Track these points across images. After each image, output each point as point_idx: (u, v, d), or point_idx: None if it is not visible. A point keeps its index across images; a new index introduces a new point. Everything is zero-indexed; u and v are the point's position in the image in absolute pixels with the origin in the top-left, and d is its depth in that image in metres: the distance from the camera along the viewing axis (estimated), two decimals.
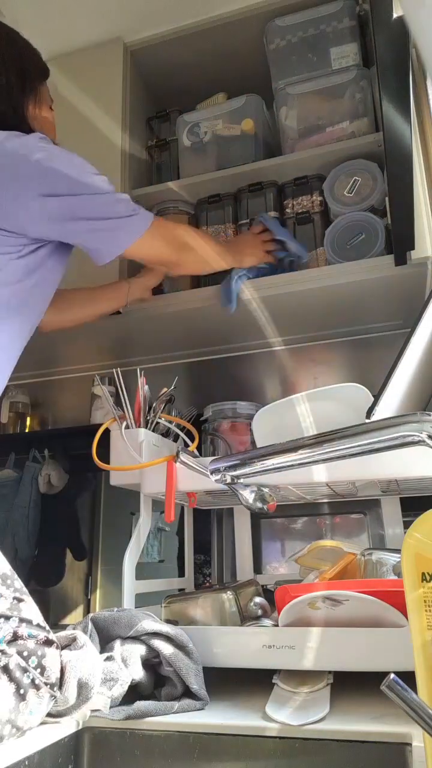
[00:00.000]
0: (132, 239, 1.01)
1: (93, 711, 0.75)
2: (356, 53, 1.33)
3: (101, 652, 0.82)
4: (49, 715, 0.71)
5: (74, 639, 0.75)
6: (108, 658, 0.79)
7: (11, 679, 0.65)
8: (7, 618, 0.70)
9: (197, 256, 1.13)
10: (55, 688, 0.70)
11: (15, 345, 0.98)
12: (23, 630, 0.70)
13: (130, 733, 0.74)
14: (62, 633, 0.76)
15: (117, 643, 0.82)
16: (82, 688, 0.72)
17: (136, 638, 0.83)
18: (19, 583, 0.75)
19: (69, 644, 0.75)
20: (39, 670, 0.68)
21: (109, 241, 1.00)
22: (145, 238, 1.02)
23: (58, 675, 0.71)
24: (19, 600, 0.73)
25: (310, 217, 1.31)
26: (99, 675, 0.74)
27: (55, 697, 0.70)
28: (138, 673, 0.79)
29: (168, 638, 0.82)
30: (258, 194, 1.37)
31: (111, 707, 0.76)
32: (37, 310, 1.02)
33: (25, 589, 0.75)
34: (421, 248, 1.12)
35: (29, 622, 0.71)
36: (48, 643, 0.71)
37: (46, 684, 0.68)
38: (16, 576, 0.76)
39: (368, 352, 1.47)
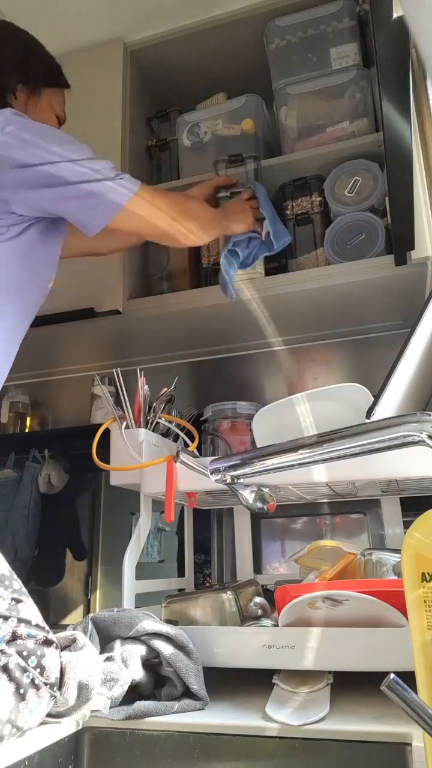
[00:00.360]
0: (119, 204, 0.95)
1: (93, 711, 0.75)
2: (356, 53, 1.33)
3: (101, 652, 0.82)
4: (48, 715, 0.71)
5: (74, 640, 0.75)
6: (108, 659, 0.79)
7: (11, 678, 0.65)
8: (6, 618, 0.70)
9: (192, 223, 1.06)
10: (55, 688, 0.70)
11: (13, 337, 0.97)
12: (22, 630, 0.70)
13: (130, 733, 0.74)
14: (62, 634, 0.76)
15: (117, 644, 0.82)
16: (82, 690, 0.72)
17: (136, 638, 0.83)
18: (18, 584, 0.75)
19: (69, 645, 0.75)
20: (39, 670, 0.68)
21: (94, 209, 0.94)
22: (134, 204, 0.96)
23: (58, 675, 0.71)
24: (18, 600, 0.73)
25: (309, 218, 1.31)
26: (99, 676, 0.74)
27: (54, 696, 0.70)
28: (138, 673, 0.79)
29: (168, 638, 0.82)
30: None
31: (111, 707, 0.76)
32: (33, 299, 1.00)
33: (24, 590, 0.75)
34: (421, 248, 1.12)
35: (28, 622, 0.71)
36: (47, 643, 0.71)
37: (45, 684, 0.69)
38: (15, 576, 0.76)
39: (368, 352, 1.47)
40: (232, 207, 1.23)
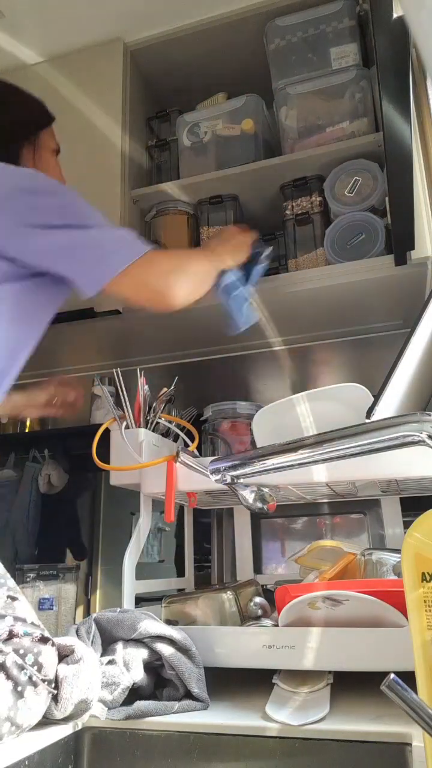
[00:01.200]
0: (126, 261, 0.92)
1: (90, 716, 0.75)
2: (356, 53, 1.33)
3: (103, 653, 0.81)
4: (45, 718, 0.71)
5: (72, 651, 0.74)
6: (110, 662, 0.79)
7: (8, 676, 0.66)
8: (2, 617, 0.70)
9: (190, 283, 0.99)
10: (53, 685, 0.70)
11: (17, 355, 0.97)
12: (18, 628, 0.70)
13: (130, 733, 0.74)
14: (61, 640, 0.75)
15: (119, 646, 0.81)
16: (80, 703, 0.72)
17: (138, 641, 0.83)
18: (12, 582, 0.75)
19: (67, 655, 0.74)
20: (36, 667, 0.69)
21: (99, 261, 0.92)
22: (138, 267, 0.92)
23: (56, 671, 0.71)
24: (13, 598, 0.73)
25: (309, 218, 1.31)
26: (98, 688, 0.74)
27: (52, 693, 0.70)
28: (139, 676, 0.79)
29: (171, 641, 0.82)
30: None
31: (111, 708, 0.76)
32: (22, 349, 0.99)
33: (18, 588, 0.76)
34: (421, 248, 1.12)
35: (23, 620, 0.71)
36: (43, 640, 0.71)
37: (43, 681, 0.69)
38: (8, 575, 0.76)
39: (368, 352, 1.47)
40: (223, 238, 1.16)
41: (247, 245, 1.15)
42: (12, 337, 0.96)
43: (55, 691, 0.70)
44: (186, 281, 0.98)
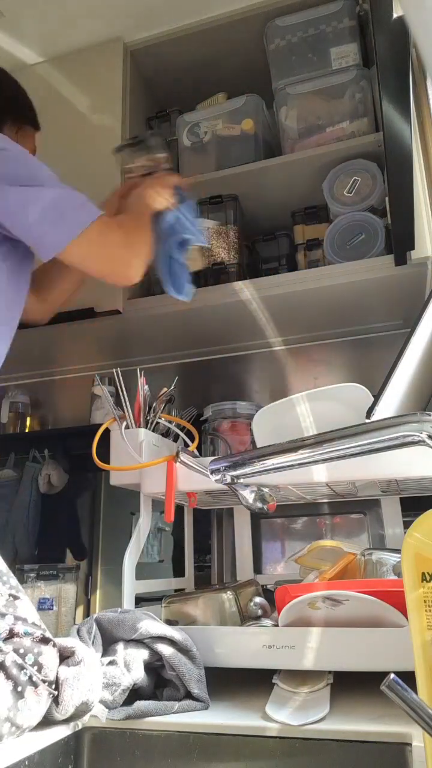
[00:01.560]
0: (77, 230, 0.91)
1: (90, 716, 0.75)
2: (356, 53, 1.33)
3: (104, 653, 0.81)
4: (45, 719, 0.71)
5: (73, 653, 0.74)
6: (111, 663, 0.79)
7: (8, 676, 0.66)
8: (3, 615, 0.70)
9: (143, 253, 0.99)
10: (53, 686, 0.70)
11: None
12: (19, 628, 0.70)
13: (130, 733, 0.74)
14: (62, 641, 0.75)
15: (120, 646, 0.81)
16: (81, 705, 0.72)
17: (139, 641, 0.83)
18: (14, 581, 0.75)
19: (68, 657, 0.74)
20: (36, 667, 0.68)
21: (58, 222, 0.91)
22: (92, 232, 0.92)
23: (56, 673, 0.71)
24: (15, 597, 0.73)
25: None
26: (98, 690, 0.74)
27: (53, 694, 0.70)
28: (140, 677, 0.79)
29: (172, 642, 0.82)
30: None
31: (111, 708, 0.76)
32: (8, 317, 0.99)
33: (20, 587, 0.75)
34: (421, 248, 1.12)
35: (24, 620, 0.71)
36: (44, 641, 0.71)
37: (44, 681, 0.69)
38: (11, 574, 0.76)
39: (368, 352, 1.47)
40: (144, 186, 1.10)
41: (166, 187, 1.09)
42: None
43: (56, 692, 0.70)
44: (140, 252, 0.98)
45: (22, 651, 0.68)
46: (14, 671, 0.66)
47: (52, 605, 1.21)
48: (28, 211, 0.91)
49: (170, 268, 1.07)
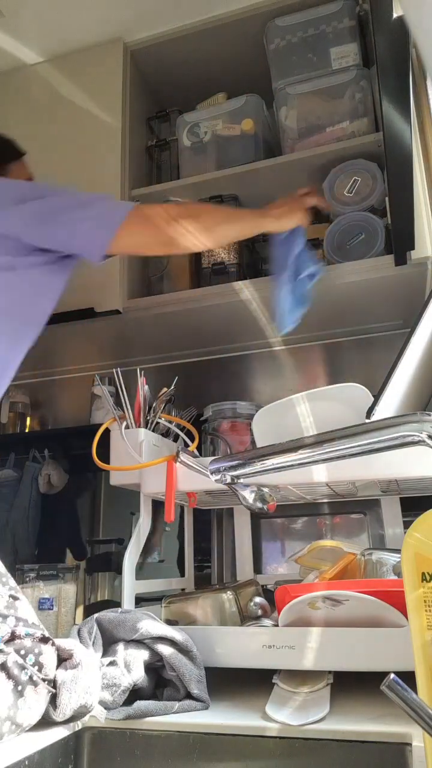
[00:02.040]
0: (115, 225, 0.97)
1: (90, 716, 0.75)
2: (356, 53, 1.33)
3: (104, 654, 0.81)
4: (43, 719, 0.71)
5: (70, 655, 0.74)
6: (111, 663, 0.78)
7: (9, 676, 0.66)
8: (4, 617, 0.70)
9: (199, 222, 1.02)
10: (52, 684, 0.70)
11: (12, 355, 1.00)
12: (20, 629, 0.70)
13: (130, 733, 0.74)
14: (61, 642, 0.75)
15: (120, 647, 0.81)
16: (79, 708, 0.71)
17: (140, 642, 0.82)
18: (13, 582, 0.76)
19: (65, 659, 0.74)
20: (36, 667, 0.69)
21: (92, 233, 0.98)
22: (131, 222, 0.98)
23: (55, 671, 0.71)
24: (15, 598, 0.73)
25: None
26: (97, 692, 0.73)
27: (51, 692, 0.70)
28: (140, 678, 0.79)
29: (173, 642, 0.82)
30: None
31: (111, 709, 0.76)
32: (36, 320, 1.03)
33: (19, 588, 0.76)
34: (421, 248, 1.12)
35: (25, 621, 0.72)
36: (44, 640, 0.71)
37: (43, 680, 0.69)
38: (9, 575, 0.77)
39: (368, 352, 1.47)
40: (278, 202, 1.17)
41: (298, 211, 1.14)
42: (16, 325, 1.00)
43: (54, 690, 0.70)
44: (197, 223, 1.02)
45: (23, 651, 0.68)
46: (15, 671, 0.66)
47: (52, 605, 1.21)
48: (60, 224, 0.98)
49: (292, 296, 1.11)
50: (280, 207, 1.14)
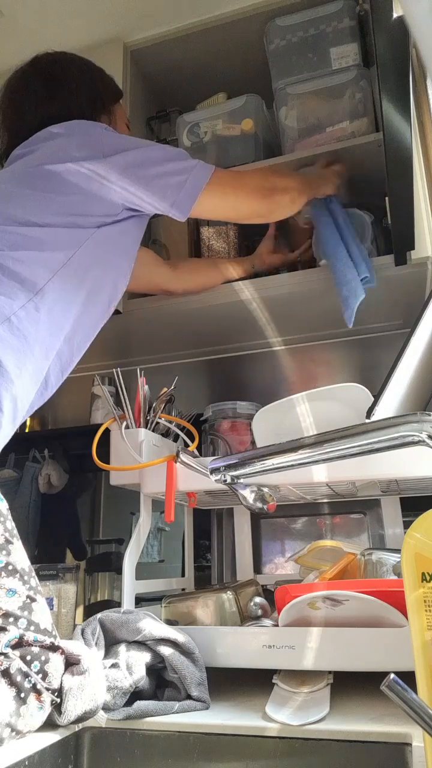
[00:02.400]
0: (205, 177, 1.00)
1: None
2: (356, 53, 1.33)
3: (106, 654, 0.81)
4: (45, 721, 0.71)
5: (78, 661, 0.73)
6: (113, 665, 0.78)
7: (12, 683, 0.65)
8: (17, 619, 0.69)
9: (286, 196, 1.08)
10: (56, 694, 0.70)
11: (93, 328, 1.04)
12: (29, 635, 0.69)
13: (130, 733, 0.74)
14: (69, 646, 0.75)
15: (122, 648, 0.81)
16: (84, 714, 0.71)
17: (141, 643, 0.82)
18: (35, 581, 0.74)
19: (73, 664, 0.73)
20: (41, 675, 0.68)
21: (182, 185, 0.99)
22: (218, 177, 1.01)
23: (60, 681, 0.71)
24: (33, 600, 0.72)
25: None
26: (101, 699, 0.73)
27: (55, 701, 0.70)
28: (142, 680, 0.79)
29: (175, 644, 0.82)
30: None
31: (112, 710, 0.76)
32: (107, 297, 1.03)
33: (40, 588, 0.74)
34: (421, 248, 1.12)
35: (37, 625, 0.71)
36: (53, 648, 0.70)
37: (47, 689, 0.68)
38: (33, 573, 0.75)
39: (368, 352, 1.47)
40: (317, 172, 1.23)
41: (334, 178, 1.20)
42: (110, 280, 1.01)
43: (59, 700, 0.70)
44: (279, 195, 1.08)
45: (29, 658, 0.68)
46: (18, 678, 0.66)
47: (52, 605, 1.21)
48: (155, 179, 0.98)
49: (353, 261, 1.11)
50: (318, 177, 1.19)
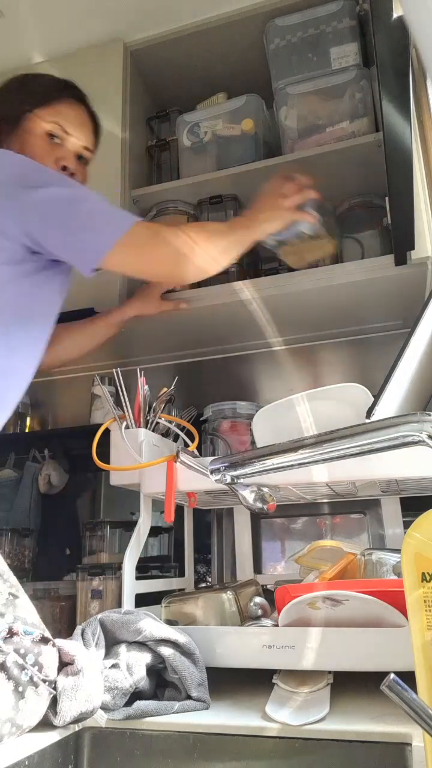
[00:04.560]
0: (112, 240, 0.90)
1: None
2: (356, 53, 1.33)
3: (107, 655, 0.81)
4: (43, 720, 0.71)
5: (73, 661, 0.73)
6: (113, 666, 0.78)
7: (9, 677, 0.66)
8: (2, 615, 0.70)
9: (201, 258, 0.96)
10: (53, 686, 0.70)
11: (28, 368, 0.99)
12: (19, 626, 0.69)
13: (130, 733, 0.74)
14: (64, 645, 0.75)
15: (123, 648, 0.81)
16: (79, 715, 0.71)
17: (142, 644, 0.82)
18: (14, 580, 0.75)
19: (67, 664, 0.73)
20: (36, 667, 0.68)
21: (87, 245, 0.91)
22: (128, 241, 0.91)
23: (56, 672, 0.71)
24: (15, 596, 0.73)
25: None
26: (98, 699, 0.73)
27: (53, 693, 0.70)
28: (142, 680, 0.79)
29: (175, 645, 0.82)
30: None
31: (111, 710, 0.76)
32: (43, 332, 1.00)
33: (20, 586, 0.75)
34: (421, 248, 1.12)
35: (24, 620, 0.71)
36: (44, 640, 0.71)
37: (44, 681, 0.68)
38: (11, 572, 0.76)
39: (368, 352, 1.47)
40: (258, 202, 1.08)
41: (284, 210, 1.06)
42: (16, 335, 0.95)
43: (55, 692, 0.70)
44: (195, 260, 0.96)
45: (22, 651, 0.68)
46: (15, 671, 0.66)
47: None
48: (65, 225, 0.90)
49: None
50: (263, 210, 1.06)
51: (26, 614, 0.73)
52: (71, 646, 0.76)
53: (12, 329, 0.95)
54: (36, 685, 0.67)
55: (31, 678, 0.67)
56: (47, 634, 0.72)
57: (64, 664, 0.73)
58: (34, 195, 0.89)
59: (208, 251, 0.98)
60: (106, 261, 0.92)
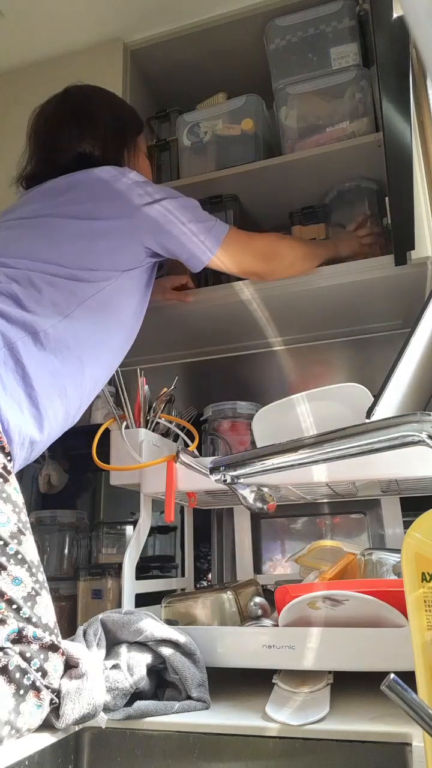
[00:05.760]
0: (219, 241, 1.08)
1: None
2: (356, 53, 1.33)
3: (107, 655, 0.81)
4: (45, 722, 0.70)
5: (77, 664, 0.73)
6: (114, 666, 0.78)
7: (10, 680, 0.65)
8: (19, 608, 0.69)
9: (286, 260, 1.16)
10: (56, 693, 0.70)
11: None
12: (29, 631, 0.69)
13: (130, 733, 0.74)
14: (69, 647, 0.74)
15: (123, 649, 0.81)
16: (81, 718, 0.71)
17: (143, 644, 0.82)
18: (42, 576, 0.74)
19: (72, 667, 0.73)
20: (40, 673, 0.68)
21: (202, 240, 1.07)
22: (232, 237, 1.09)
23: (60, 680, 0.71)
24: (37, 593, 0.72)
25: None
26: (101, 702, 0.73)
27: (55, 701, 0.69)
28: (142, 680, 0.79)
29: (176, 645, 0.82)
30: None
31: (112, 711, 0.76)
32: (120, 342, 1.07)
33: (46, 585, 0.74)
34: (421, 248, 1.12)
35: (39, 619, 0.70)
36: (53, 648, 0.70)
37: (47, 687, 0.68)
38: (42, 569, 0.75)
39: (368, 352, 1.47)
40: (342, 235, 1.30)
41: (359, 247, 1.26)
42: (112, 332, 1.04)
43: (58, 701, 0.70)
44: (280, 261, 1.16)
45: (28, 655, 0.67)
46: (17, 675, 0.65)
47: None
48: (180, 229, 1.07)
49: None
50: (347, 242, 1.27)
51: (44, 613, 0.71)
52: (76, 648, 0.75)
53: (135, 331, 1.10)
54: (38, 690, 0.67)
55: (34, 683, 0.67)
56: (57, 641, 0.71)
57: (68, 667, 0.73)
58: (157, 206, 1.06)
59: (288, 256, 1.17)
60: (213, 259, 1.09)
